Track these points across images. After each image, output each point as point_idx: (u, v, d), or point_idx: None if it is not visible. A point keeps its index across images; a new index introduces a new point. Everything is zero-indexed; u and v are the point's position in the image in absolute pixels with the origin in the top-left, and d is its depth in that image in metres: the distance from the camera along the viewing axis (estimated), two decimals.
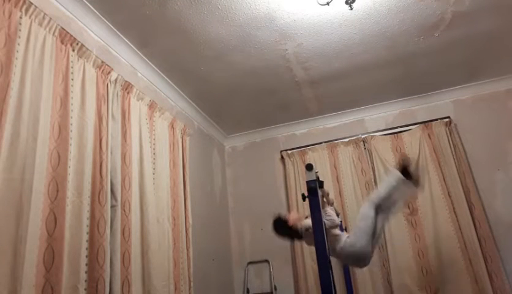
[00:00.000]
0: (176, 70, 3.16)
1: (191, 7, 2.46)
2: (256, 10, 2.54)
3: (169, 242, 2.71)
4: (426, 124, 3.93)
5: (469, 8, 2.71)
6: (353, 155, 4.04)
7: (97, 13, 2.40)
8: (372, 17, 2.72)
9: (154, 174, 2.71)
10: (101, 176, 2.10)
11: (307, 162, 3.74)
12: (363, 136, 4.08)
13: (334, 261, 3.35)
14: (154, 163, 2.75)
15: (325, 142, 4.18)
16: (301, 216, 2.58)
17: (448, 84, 3.92)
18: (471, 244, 3.41)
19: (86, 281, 1.88)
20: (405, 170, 2.54)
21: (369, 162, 4.00)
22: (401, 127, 4.05)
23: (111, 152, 2.26)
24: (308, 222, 2.30)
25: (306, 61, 3.21)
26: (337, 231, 2.51)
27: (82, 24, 2.35)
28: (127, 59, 2.80)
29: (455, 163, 3.70)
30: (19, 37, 1.77)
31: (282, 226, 2.53)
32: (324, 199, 2.68)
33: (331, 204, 3.18)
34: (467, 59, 3.42)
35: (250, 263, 4.15)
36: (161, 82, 3.23)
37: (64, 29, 2.06)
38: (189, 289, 2.84)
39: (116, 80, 2.44)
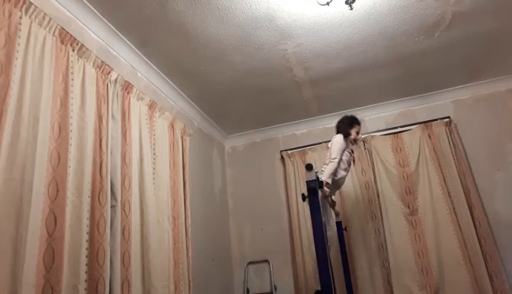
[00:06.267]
0: (176, 70, 3.16)
1: (191, 7, 2.46)
2: (256, 10, 2.54)
3: (169, 242, 2.71)
4: (426, 124, 3.93)
5: (469, 8, 2.71)
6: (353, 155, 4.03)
7: (97, 13, 2.40)
8: (372, 17, 2.72)
9: (154, 174, 2.71)
10: (101, 176, 2.10)
11: (307, 161, 3.74)
12: (363, 136, 4.07)
13: (334, 261, 3.37)
14: (154, 163, 2.75)
15: (325, 142, 4.16)
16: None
17: (448, 84, 3.92)
18: (471, 244, 3.41)
19: (86, 281, 1.88)
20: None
21: (369, 162, 4.00)
22: (401, 127, 4.06)
23: (111, 152, 2.26)
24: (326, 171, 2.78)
25: (306, 61, 3.21)
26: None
27: (82, 24, 2.35)
28: (127, 59, 2.79)
29: (455, 163, 3.70)
30: (19, 37, 1.77)
31: None
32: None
33: (333, 206, 3.20)
34: (467, 59, 3.42)
35: (250, 263, 4.15)
36: (161, 82, 3.23)
37: (64, 29, 2.06)
38: (189, 289, 2.84)
39: (116, 80, 2.44)
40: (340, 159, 2.88)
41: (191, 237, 3.03)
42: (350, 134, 3.01)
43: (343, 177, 3.00)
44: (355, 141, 3.09)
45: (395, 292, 3.51)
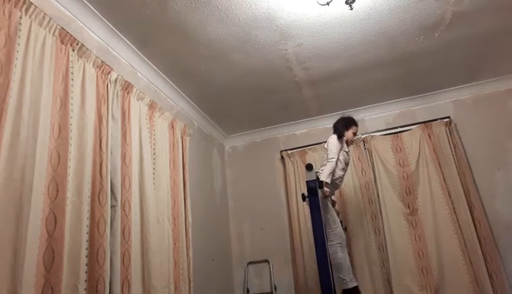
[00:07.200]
0: (176, 70, 3.16)
1: (191, 7, 2.46)
2: (256, 10, 2.54)
3: (169, 242, 2.70)
4: (426, 124, 3.93)
5: (469, 8, 2.71)
6: (353, 155, 4.03)
7: (97, 13, 2.40)
8: (372, 17, 2.72)
9: (154, 174, 2.71)
10: (101, 176, 2.10)
11: (307, 161, 3.74)
12: (363, 136, 4.08)
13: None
14: (154, 163, 2.75)
15: (325, 142, 4.17)
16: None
17: (448, 84, 3.92)
18: (471, 244, 3.41)
19: (86, 281, 1.88)
20: None
21: (369, 162, 4.00)
22: (401, 127, 4.06)
23: (111, 152, 2.26)
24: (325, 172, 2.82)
25: (306, 61, 3.21)
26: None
27: (82, 24, 2.35)
28: (127, 59, 2.79)
29: (455, 163, 3.70)
30: (19, 37, 1.77)
31: None
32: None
33: (333, 206, 3.21)
34: (467, 59, 3.42)
35: (250, 263, 4.15)
36: (161, 82, 3.22)
37: (64, 29, 2.06)
38: (189, 289, 2.84)
39: (116, 80, 2.43)
40: (337, 159, 2.90)
41: (191, 237, 3.03)
42: (343, 135, 3.04)
43: (341, 177, 3.04)
44: (347, 142, 3.11)
45: (395, 292, 3.50)
